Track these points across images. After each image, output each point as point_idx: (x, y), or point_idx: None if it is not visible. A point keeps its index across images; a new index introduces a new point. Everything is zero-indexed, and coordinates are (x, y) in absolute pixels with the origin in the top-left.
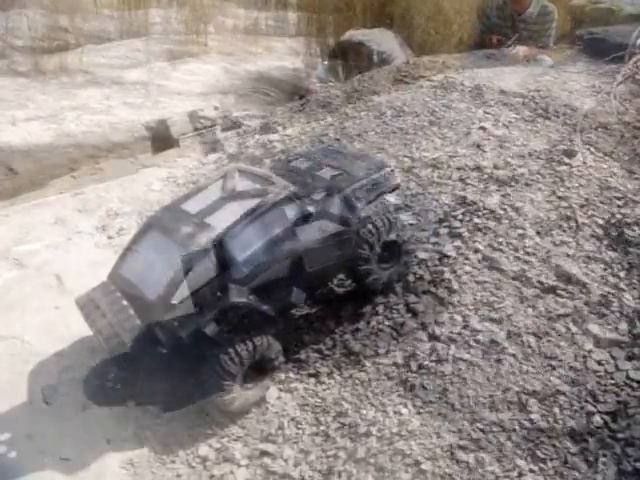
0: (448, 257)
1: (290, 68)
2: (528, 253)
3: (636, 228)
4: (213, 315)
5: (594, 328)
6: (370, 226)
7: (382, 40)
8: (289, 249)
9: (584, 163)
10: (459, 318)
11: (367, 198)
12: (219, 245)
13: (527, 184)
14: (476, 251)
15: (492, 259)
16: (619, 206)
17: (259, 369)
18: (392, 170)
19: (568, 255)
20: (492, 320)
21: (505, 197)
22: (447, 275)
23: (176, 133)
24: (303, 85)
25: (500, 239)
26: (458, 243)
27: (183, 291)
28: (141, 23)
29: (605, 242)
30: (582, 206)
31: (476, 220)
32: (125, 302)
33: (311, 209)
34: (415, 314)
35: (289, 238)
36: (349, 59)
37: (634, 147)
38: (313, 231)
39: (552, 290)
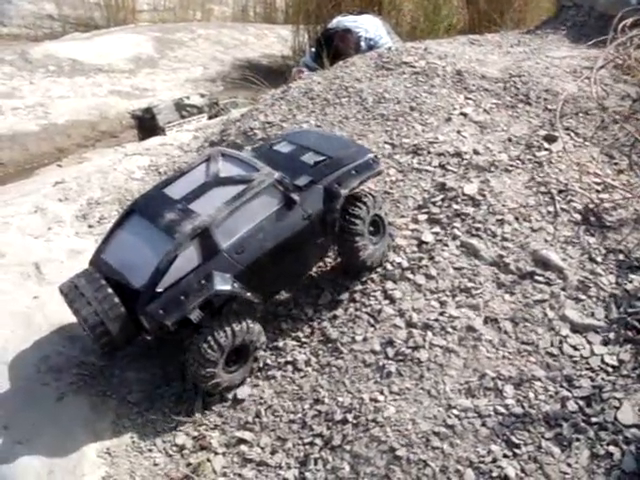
0: (426, 243)
1: (278, 55)
2: (506, 239)
3: (614, 213)
4: (198, 303)
5: (571, 313)
6: (360, 203)
7: (370, 26)
8: (273, 236)
9: (564, 148)
10: (436, 304)
11: (351, 185)
12: (203, 233)
13: (507, 170)
14: (454, 237)
15: (470, 245)
16: (598, 191)
17: (242, 352)
18: (375, 156)
19: (546, 241)
20: (469, 306)
21: (484, 183)
22: (425, 262)
23: (162, 121)
24: (291, 72)
25: (478, 225)
26: (437, 229)
27: (168, 279)
28: (128, 11)
29: (583, 227)
30: (561, 191)
31: (455, 206)
32: (110, 290)
33: (295, 196)
34: (393, 301)
35: (273, 225)
36: (336, 46)
37: (614, 132)
38: (297, 218)
39: (530, 276)
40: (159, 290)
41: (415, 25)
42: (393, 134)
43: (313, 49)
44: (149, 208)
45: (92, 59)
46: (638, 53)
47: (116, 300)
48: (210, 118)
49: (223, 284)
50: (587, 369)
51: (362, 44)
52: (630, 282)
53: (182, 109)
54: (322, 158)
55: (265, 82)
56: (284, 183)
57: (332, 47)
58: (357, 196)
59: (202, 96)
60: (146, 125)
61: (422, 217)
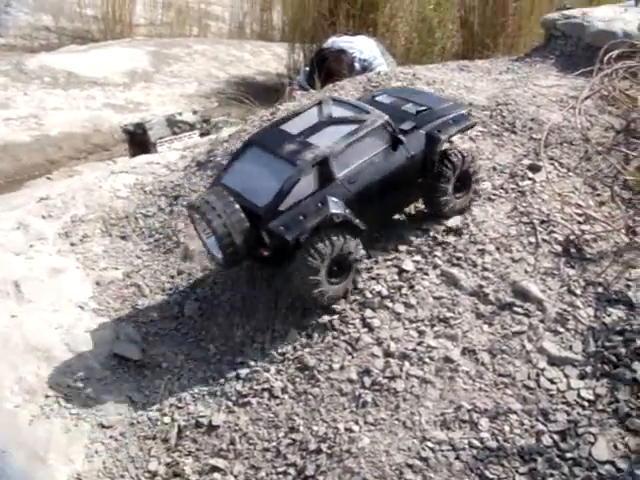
0: (407, 272)
1: (273, 73)
2: (486, 269)
3: (595, 245)
4: (315, 223)
5: (549, 346)
6: (446, 161)
7: (364, 47)
8: (381, 171)
9: (547, 178)
10: (415, 334)
11: (449, 132)
12: (323, 162)
13: (490, 199)
14: (435, 266)
15: (450, 275)
16: (579, 222)
17: (342, 265)
18: (469, 111)
19: (526, 272)
20: (447, 337)
21: (467, 212)
22: (405, 290)
23: (153, 137)
24: (285, 91)
25: (459, 254)
26: (417, 258)
27: (289, 200)
28: (125, 24)
29: (564, 259)
30: (543, 222)
31: (436, 235)
32: (237, 206)
33: (402, 137)
34: (371, 329)
35: (381, 161)
36: (330, 66)
37: (597, 163)
38: (402, 157)
39: (509, 307)
40: (281, 209)
41: (409, 47)
42: None
43: (307, 69)
44: (268, 141)
45: (87, 72)
46: (623, 85)
47: (242, 215)
48: (202, 135)
49: (337, 208)
50: (563, 403)
51: (356, 65)
52: (608, 315)
53: (174, 125)
54: (423, 108)
55: (255, 101)
56: (392, 125)
57: (325, 68)
58: (447, 155)
59: (194, 113)
60: (137, 140)
61: (403, 246)
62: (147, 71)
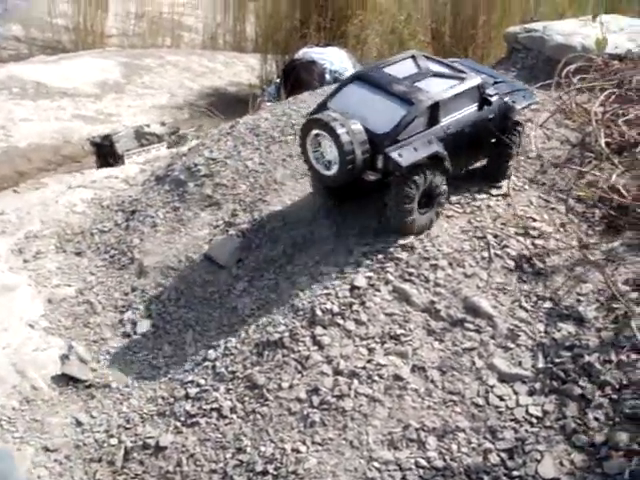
0: (358, 288)
1: (246, 84)
2: (439, 285)
3: (547, 260)
4: (424, 157)
5: (499, 362)
6: (519, 126)
7: (335, 58)
8: (469, 125)
9: (503, 192)
10: (365, 351)
11: (522, 104)
12: (434, 106)
13: (444, 213)
14: (387, 282)
15: (402, 290)
16: (533, 237)
17: (429, 198)
18: (533, 91)
19: (478, 287)
20: (398, 354)
21: None
22: (356, 307)
23: (120, 149)
24: (256, 102)
25: (412, 270)
26: (370, 274)
27: (406, 133)
28: (97, 35)
29: (516, 274)
30: (496, 236)
31: (389, 250)
32: (361, 126)
33: (491, 99)
34: (321, 347)
35: (471, 117)
36: (301, 77)
37: (553, 177)
38: (484, 118)
39: (460, 323)
40: (399, 138)
41: (380, 58)
42: None
43: (278, 80)
44: (377, 78)
45: (57, 82)
46: (580, 98)
47: (365, 136)
48: (169, 147)
49: (441, 148)
50: (511, 420)
51: (327, 76)
52: (559, 331)
53: (142, 137)
54: (499, 79)
55: (227, 112)
56: (484, 87)
57: (294, 78)
58: (518, 123)
59: (163, 124)
60: (105, 152)
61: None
62: (118, 82)
